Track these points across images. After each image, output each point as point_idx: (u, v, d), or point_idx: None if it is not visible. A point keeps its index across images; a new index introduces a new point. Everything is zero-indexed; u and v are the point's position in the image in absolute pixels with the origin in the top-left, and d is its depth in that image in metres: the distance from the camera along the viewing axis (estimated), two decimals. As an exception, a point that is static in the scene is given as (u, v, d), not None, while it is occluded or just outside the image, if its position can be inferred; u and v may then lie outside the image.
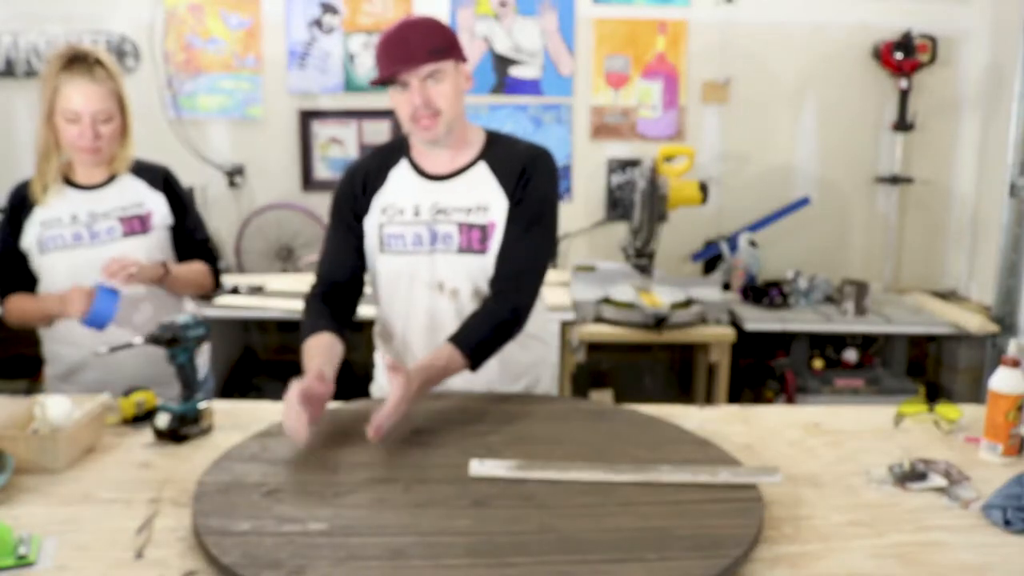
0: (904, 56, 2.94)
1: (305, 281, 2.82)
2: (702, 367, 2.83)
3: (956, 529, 1.04)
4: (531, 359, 1.52)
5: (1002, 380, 1.24)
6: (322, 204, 3.10)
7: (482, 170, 1.41)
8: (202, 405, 1.32)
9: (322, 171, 3.12)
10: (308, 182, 3.11)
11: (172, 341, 1.31)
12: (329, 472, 1.13)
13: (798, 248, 3.11)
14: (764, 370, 2.80)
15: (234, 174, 3.06)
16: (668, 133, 3.10)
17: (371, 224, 1.44)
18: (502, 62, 3.04)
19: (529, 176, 1.39)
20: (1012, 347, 1.25)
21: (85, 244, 1.60)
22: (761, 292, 2.77)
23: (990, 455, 1.25)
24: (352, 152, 3.10)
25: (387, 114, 3.07)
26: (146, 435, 1.31)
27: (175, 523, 1.02)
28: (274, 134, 3.07)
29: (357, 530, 0.97)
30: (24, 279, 1.63)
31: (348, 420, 1.34)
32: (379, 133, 3.09)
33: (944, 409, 1.40)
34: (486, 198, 1.40)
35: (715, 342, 2.56)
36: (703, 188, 2.69)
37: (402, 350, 1.49)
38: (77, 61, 1.52)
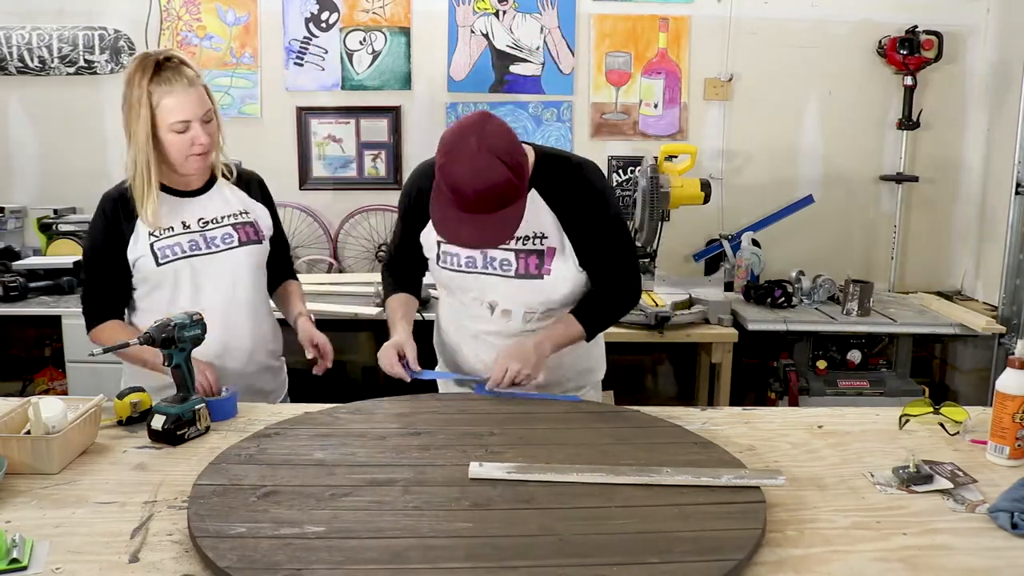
0: (909, 53, 2.92)
1: (304, 281, 2.81)
2: (704, 368, 2.82)
3: (962, 532, 1.02)
4: (587, 366, 1.61)
5: (1009, 381, 1.22)
6: (320, 202, 3.09)
7: (535, 200, 1.42)
8: (198, 406, 1.31)
9: (320, 169, 3.10)
10: (306, 180, 3.10)
11: (168, 342, 1.30)
12: (326, 474, 1.12)
13: (801, 247, 3.10)
14: (767, 371, 2.78)
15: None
16: (670, 131, 3.08)
17: (429, 238, 1.50)
18: (502, 59, 3.03)
19: (588, 206, 1.43)
20: (1019, 348, 1.23)
21: (202, 252, 1.53)
22: (764, 292, 2.75)
23: (997, 457, 1.24)
24: (350, 150, 3.09)
25: (385, 112, 3.05)
26: (141, 437, 1.30)
27: (171, 526, 1.01)
28: (271, 132, 3.05)
29: (355, 533, 0.96)
30: (120, 294, 1.55)
31: (346, 421, 1.33)
32: (378, 131, 3.07)
33: (950, 410, 1.38)
34: (542, 226, 1.44)
35: (717, 342, 2.55)
36: (705, 187, 2.67)
37: (452, 345, 1.59)
38: (162, 68, 1.44)
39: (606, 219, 1.45)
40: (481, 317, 1.52)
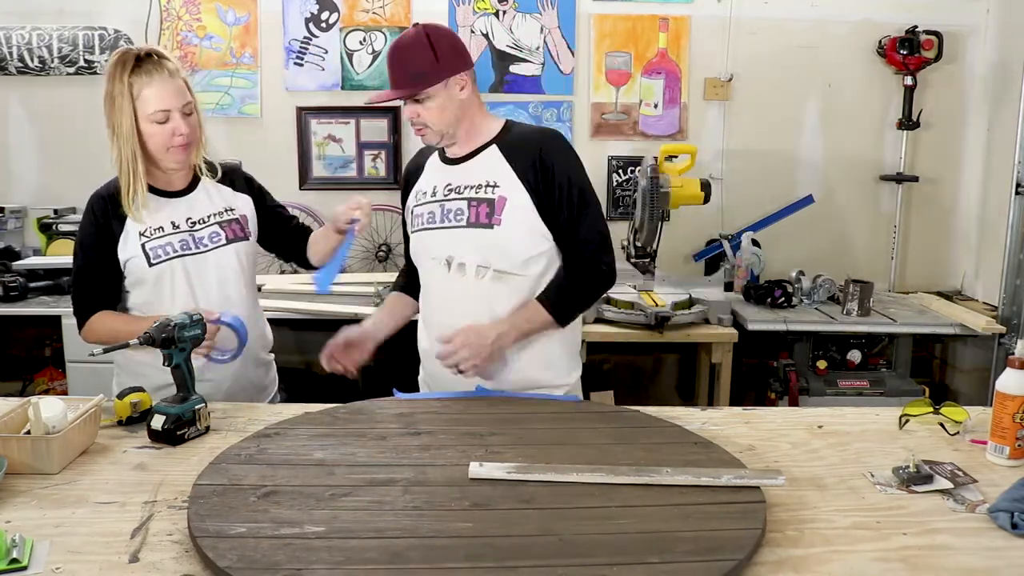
0: (909, 53, 2.91)
1: (304, 281, 2.79)
2: (704, 368, 2.81)
3: (962, 532, 1.02)
4: (553, 366, 1.58)
5: (1009, 381, 1.22)
6: (320, 202, 3.09)
7: (493, 152, 1.50)
8: (198, 406, 1.31)
9: (320, 169, 3.10)
10: (305, 180, 3.10)
11: (167, 342, 1.30)
12: (326, 474, 1.12)
13: (801, 247, 3.10)
14: (767, 371, 2.78)
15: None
16: (670, 131, 3.08)
17: (407, 210, 1.60)
18: (502, 59, 3.03)
19: (549, 162, 1.46)
20: (1019, 348, 1.23)
21: (193, 252, 1.55)
22: (764, 292, 2.75)
23: (997, 457, 1.24)
24: (350, 150, 3.09)
25: (385, 112, 3.05)
26: (141, 437, 1.30)
27: (171, 526, 1.01)
28: (271, 132, 3.05)
29: (355, 533, 0.96)
30: (110, 293, 1.55)
31: (346, 421, 1.33)
32: (377, 131, 3.07)
33: (950, 410, 1.38)
34: (496, 176, 1.48)
35: (717, 342, 2.55)
36: (705, 187, 2.67)
37: (425, 330, 1.59)
38: (142, 62, 1.46)
39: (566, 183, 1.46)
40: (442, 278, 1.51)
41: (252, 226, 1.66)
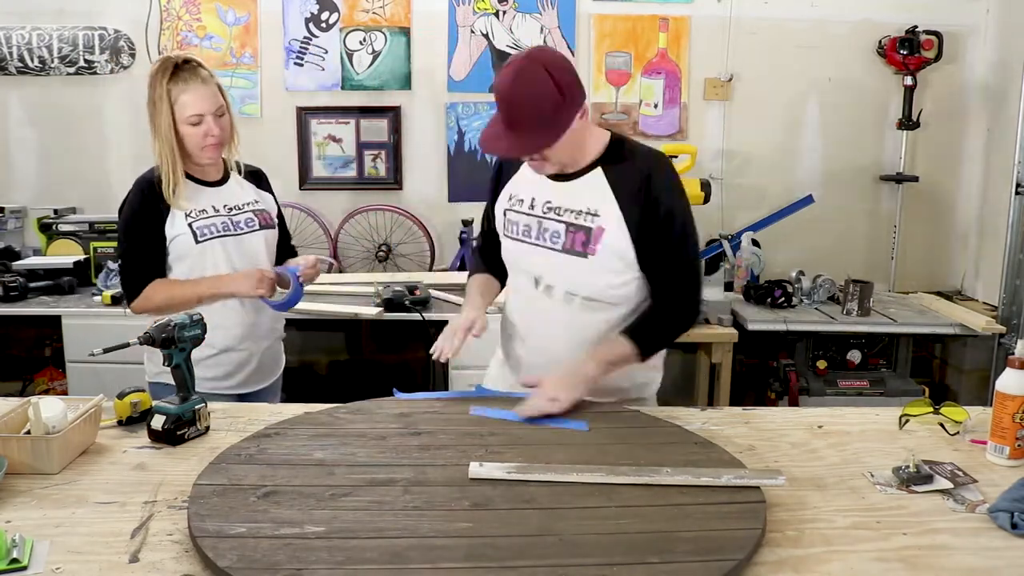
0: (909, 53, 2.91)
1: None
2: (704, 368, 2.81)
3: (962, 532, 1.02)
4: (643, 380, 1.53)
5: (1009, 381, 1.22)
6: (320, 202, 3.09)
7: (598, 176, 1.41)
8: (198, 406, 1.31)
9: (320, 169, 3.10)
10: (306, 180, 3.10)
11: (168, 342, 1.30)
12: (326, 474, 1.12)
13: (801, 247, 3.10)
14: (767, 371, 2.78)
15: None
16: (670, 131, 3.08)
17: (499, 207, 1.53)
18: (502, 59, 3.02)
19: (655, 194, 1.38)
20: (1019, 347, 1.23)
21: (233, 233, 1.72)
22: (764, 292, 2.75)
23: (997, 457, 1.24)
24: (350, 150, 3.08)
25: (385, 112, 3.05)
26: (141, 437, 1.30)
27: (171, 526, 1.01)
28: (271, 132, 3.05)
29: (355, 533, 0.96)
30: (159, 265, 1.68)
31: (346, 421, 1.33)
32: (377, 131, 3.07)
33: (950, 410, 1.38)
34: (597, 204, 1.40)
35: (717, 342, 2.55)
36: (705, 187, 2.67)
37: (508, 332, 1.57)
38: (180, 69, 1.61)
39: (669, 218, 1.38)
40: (530, 295, 1.48)
41: (275, 218, 1.84)
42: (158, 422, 1.27)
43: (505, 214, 1.51)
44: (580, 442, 1.24)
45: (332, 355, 3.08)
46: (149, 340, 1.29)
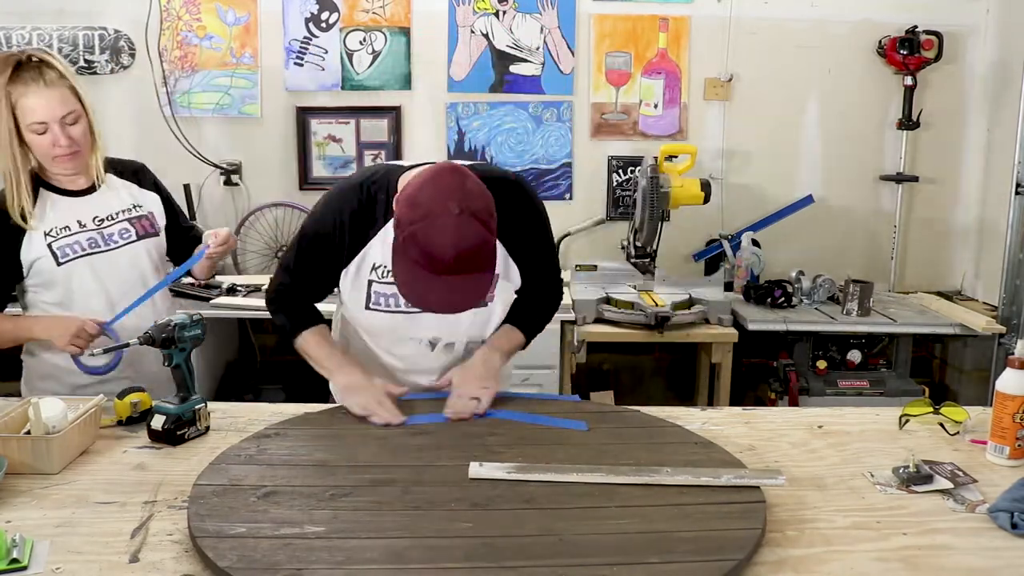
0: (909, 52, 2.91)
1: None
2: (704, 368, 2.81)
3: (962, 532, 1.02)
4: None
5: (1009, 381, 1.22)
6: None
7: None
8: (198, 406, 1.31)
9: (320, 169, 3.10)
10: (306, 180, 3.09)
11: (168, 342, 1.30)
12: (327, 474, 1.12)
13: (801, 247, 3.09)
14: (767, 371, 2.78)
15: (231, 172, 3.04)
16: (670, 131, 3.08)
17: (356, 281, 1.39)
18: (502, 59, 3.03)
19: (518, 224, 1.38)
20: (1020, 347, 1.23)
21: (101, 249, 1.53)
22: (764, 292, 2.75)
23: (997, 457, 1.24)
24: (350, 150, 3.08)
25: (385, 112, 3.05)
26: (141, 437, 1.30)
27: (171, 526, 1.01)
28: (271, 132, 3.05)
29: (355, 533, 0.96)
30: (3, 294, 1.52)
31: (346, 421, 1.33)
32: (377, 131, 3.07)
33: (950, 410, 1.38)
34: None
35: (717, 342, 2.55)
36: (705, 187, 2.67)
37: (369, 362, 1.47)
38: (22, 68, 1.42)
39: (544, 231, 1.46)
40: (416, 355, 1.43)
41: (160, 223, 1.64)
42: (158, 422, 1.27)
43: (370, 286, 1.37)
44: (580, 442, 1.24)
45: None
46: (149, 340, 1.29)
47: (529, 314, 1.51)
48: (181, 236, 1.69)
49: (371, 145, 3.08)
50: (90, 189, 1.56)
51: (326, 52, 3.02)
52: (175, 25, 2.99)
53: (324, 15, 3.00)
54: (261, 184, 3.08)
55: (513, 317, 1.48)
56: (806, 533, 1.01)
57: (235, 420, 1.39)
